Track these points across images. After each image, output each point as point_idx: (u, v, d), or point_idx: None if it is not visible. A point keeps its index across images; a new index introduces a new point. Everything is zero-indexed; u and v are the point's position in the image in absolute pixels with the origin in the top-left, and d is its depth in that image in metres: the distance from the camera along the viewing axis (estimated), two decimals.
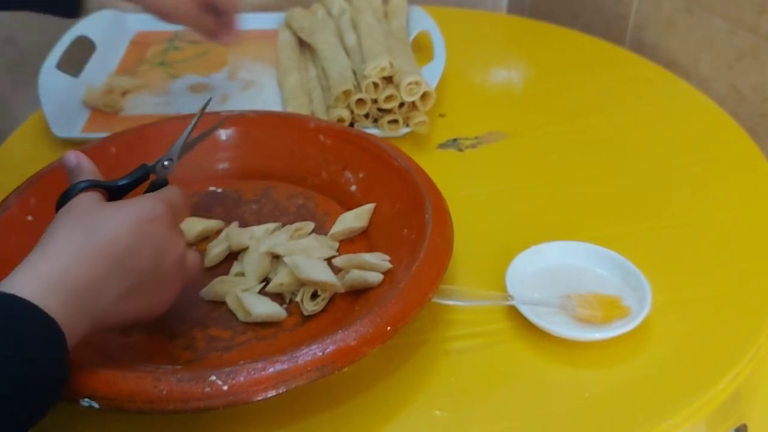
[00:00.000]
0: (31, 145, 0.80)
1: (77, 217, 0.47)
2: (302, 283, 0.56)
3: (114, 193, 0.52)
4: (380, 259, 0.57)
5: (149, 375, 0.45)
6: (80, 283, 0.44)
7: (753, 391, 0.57)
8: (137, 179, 0.54)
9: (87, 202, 0.49)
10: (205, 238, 0.64)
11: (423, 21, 0.94)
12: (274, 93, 0.87)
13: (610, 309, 0.56)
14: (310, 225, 0.64)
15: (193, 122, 0.57)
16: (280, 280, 0.57)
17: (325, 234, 0.63)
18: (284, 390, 0.46)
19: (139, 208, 0.49)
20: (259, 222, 0.65)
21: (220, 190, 0.69)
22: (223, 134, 0.71)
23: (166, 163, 0.55)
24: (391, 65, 0.76)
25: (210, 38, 0.77)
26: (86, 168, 0.52)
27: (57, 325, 0.41)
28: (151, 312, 0.50)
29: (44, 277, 0.43)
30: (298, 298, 0.57)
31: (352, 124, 0.77)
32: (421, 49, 0.90)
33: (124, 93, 0.87)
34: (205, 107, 0.58)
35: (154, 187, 0.54)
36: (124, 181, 0.53)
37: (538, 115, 0.84)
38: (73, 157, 0.52)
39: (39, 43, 0.90)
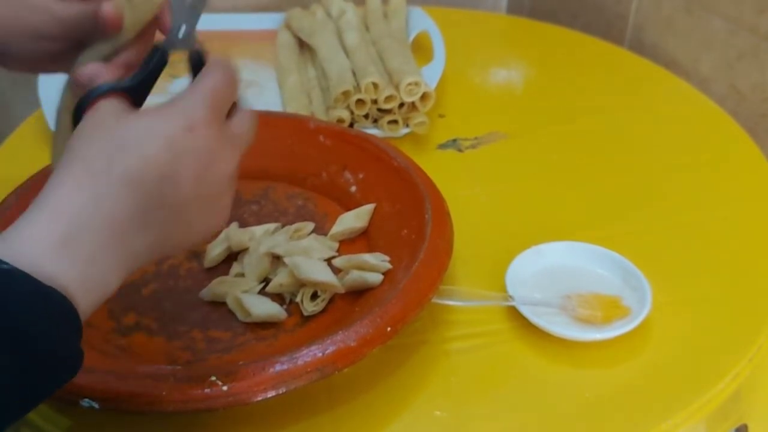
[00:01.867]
0: (31, 145, 0.80)
1: (94, 142, 0.38)
2: (302, 284, 0.56)
3: (136, 94, 0.43)
4: (380, 260, 0.57)
5: (149, 376, 0.45)
6: (106, 224, 0.36)
7: (753, 391, 0.57)
8: (155, 67, 0.44)
9: (107, 114, 0.39)
10: None
11: (422, 21, 0.94)
12: (273, 93, 0.87)
13: (610, 309, 0.56)
14: (309, 225, 0.64)
15: None
16: (280, 280, 0.57)
17: (325, 234, 0.63)
18: (284, 391, 0.46)
19: (171, 116, 0.39)
20: (259, 222, 0.65)
21: None
22: None
23: (181, 35, 0.45)
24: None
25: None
26: (98, 72, 0.42)
27: (69, 305, 0.34)
28: (200, 238, 0.42)
29: (54, 234, 0.35)
30: (298, 299, 0.57)
31: (351, 125, 0.77)
32: (421, 49, 0.90)
33: None
34: None
35: (194, 63, 0.45)
36: (141, 75, 0.43)
37: (538, 115, 0.84)
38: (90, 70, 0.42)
39: None
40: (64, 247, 0.35)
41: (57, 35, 0.48)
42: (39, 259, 0.34)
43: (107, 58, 0.46)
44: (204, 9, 0.46)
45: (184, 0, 0.45)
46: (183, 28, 0.45)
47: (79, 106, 0.41)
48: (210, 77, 0.42)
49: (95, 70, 0.43)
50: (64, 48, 0.49)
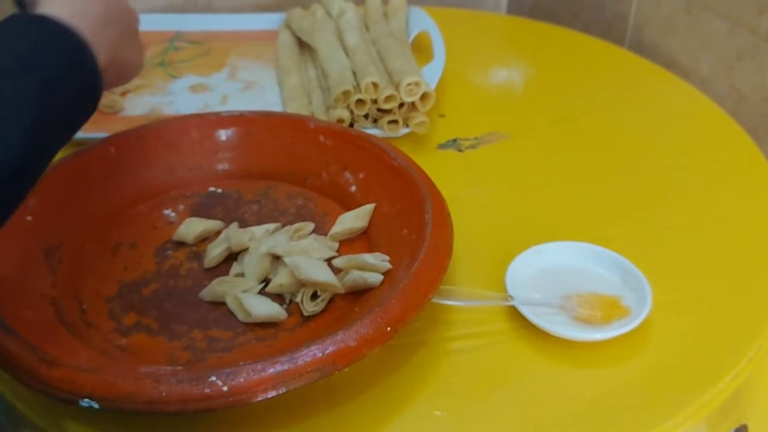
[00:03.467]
0: None
1: None
2: (302, 284, 0.56)
3: None
4: (380, 260, 0.57)
5: (149, 376, 0.45)
6: (93, 17, 0.51)
7: (753, 391, 0.57)
8: None
9: None
10: (205, 239, 0.64)
11: (423, 21, 0.94)
12: (274, 94, 0.87)
13: (610, 309, 0.56)
14: (310, 225, 0.64)
15: None
16: (279, 280, 0.57)
17: (325, 234, 0.63)
18: (284, 391, 0.46)
19: None
20: (259, 222, 0.65)
21: (220, 190, 0.69)
22: (223, 134, 0.71)
23: None
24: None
25: None
26: None
27: (85, 42, 0.49)
28: (134, 64, 0.60)
29: (69, 7, 0.50)
30: (298, 299, 0.57)
31: (351, 125, 0.77)
32: (421, 49, 0.90)
33: (124, 93, 0.87)
34: None
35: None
36: None
37: (538, 116, 0.84)
38: None
39: None
40: (75, 18, 0.49)
41: None
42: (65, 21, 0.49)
43: None
44: None
45: None
46: None
47: None
48: None
49: None
50: None
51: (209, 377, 0.45)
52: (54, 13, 0.49)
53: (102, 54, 0.51)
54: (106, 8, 0.53)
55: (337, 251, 0.62)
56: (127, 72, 0.60)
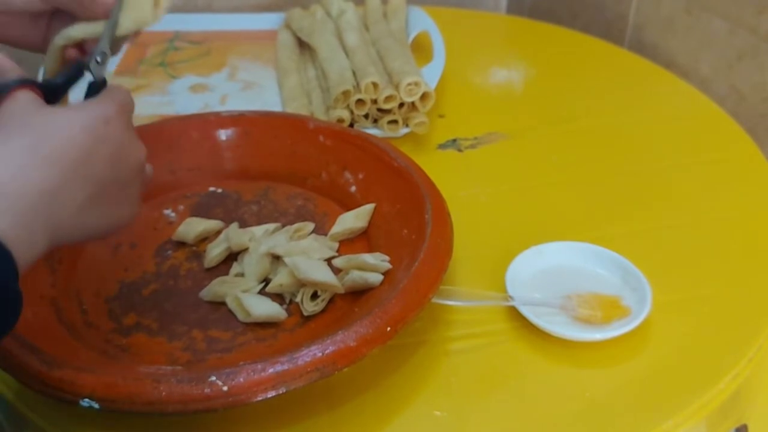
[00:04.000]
0: None
1: (20, 119, 0.42)
2: (302, 284, 0.56)
3: (49, 93, 0.46)
4: (380, 260, 0.57)
5: (149, 376, 0.45)
6: (34, 191, 0.40)
7: (753, 391, 0.57)
8: (72, 77, 0.49)
9: (27, 102, 0.43)
10: (205, 239, 0.64)
11: (422, 21, 0.94)
12: (273, 94, 0.87)
13: (610, 309, 0.56)
14: (309, 225, 0.64)
15: (119, 7, 0.50)
16: (279, 280, 0.57)
17: (325, 234, 0.63)
18: (284, 391, 0.46)
19: (90, 109, 0.44)
20: (259, 223, 0.65)
21: (219, 190, 0.69)
22: (223, 134, 0.71)
23: (98, 58, 0.50)
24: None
25: None
26: (7, 65, 0.45)
27: (4, 250, 0.37)
28: (115, 224, 0.47)
29: None
30: (298, 299, 0.57)
31: (351, 125, 0.77)
32: (421, 49, 0.90)
33: None
34: None
35: (93, 89, 0.50)
36: (59, 80, 0.48)
37: (538, 116, 0.84)
38: None
39: None
40: (1, 203, 0.38)
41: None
42: None
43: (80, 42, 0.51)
44: (118, 47, 0.52)
45: (113, 32, 0.51)
46: (101, 57, 0.50)
47: None
48: (118, 90, 0.49)
49: (6, 62, 0.46)
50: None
51: (209, 377, 0.45)
52: None
53: (39, 236, 0.40)
54: (61, 172, 0.41)
55: (337, 251, 0.62)
56: (104, 230, 0.47)
